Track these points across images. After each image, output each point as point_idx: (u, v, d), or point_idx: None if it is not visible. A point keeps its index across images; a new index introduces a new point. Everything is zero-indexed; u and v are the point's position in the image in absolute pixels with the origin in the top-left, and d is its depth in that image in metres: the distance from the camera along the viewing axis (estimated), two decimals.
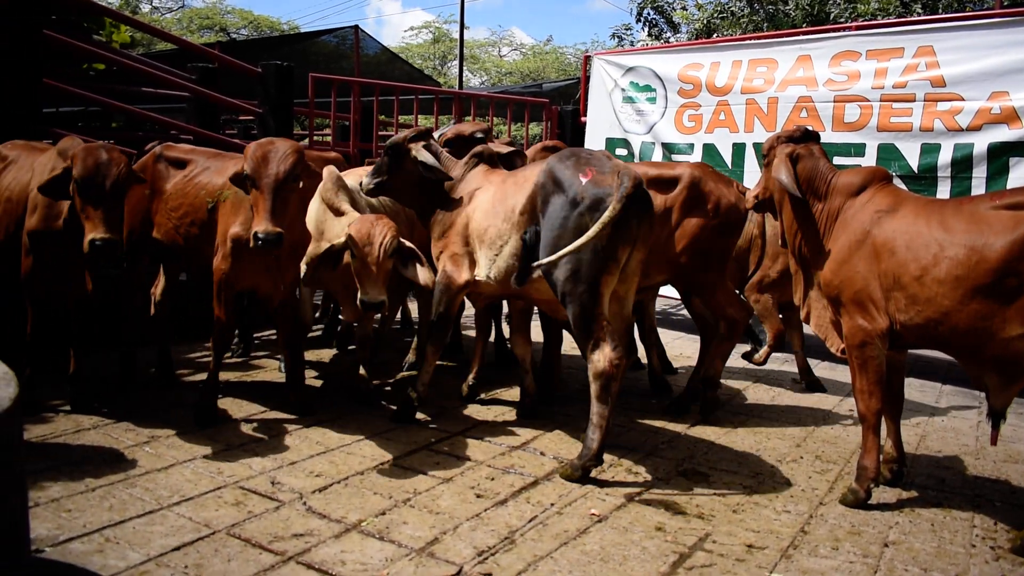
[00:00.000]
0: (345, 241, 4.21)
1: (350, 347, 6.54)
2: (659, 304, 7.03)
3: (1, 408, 2.22)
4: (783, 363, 6.65)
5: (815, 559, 3.27)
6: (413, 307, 7.02)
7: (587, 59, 9.04)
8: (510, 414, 5.07)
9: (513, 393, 5.41)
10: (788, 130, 4.10)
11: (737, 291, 5.62)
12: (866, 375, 3.72)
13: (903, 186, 5.29)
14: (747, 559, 3.25)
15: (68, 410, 4.66)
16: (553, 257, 3.92)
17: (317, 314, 7.25)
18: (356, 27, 12.48)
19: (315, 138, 9.77)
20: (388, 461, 4.16)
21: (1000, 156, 6.04)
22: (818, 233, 3.92)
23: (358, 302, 4.19)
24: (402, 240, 4.30)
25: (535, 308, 5.07)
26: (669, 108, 8.01)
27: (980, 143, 6.11)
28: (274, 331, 7.01)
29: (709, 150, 7.66)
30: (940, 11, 15.46)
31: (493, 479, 3.99)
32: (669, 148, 7.97)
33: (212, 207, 4.68)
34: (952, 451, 4.70)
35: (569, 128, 9.63)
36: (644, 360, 6.09)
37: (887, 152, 6.53)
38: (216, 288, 4.59)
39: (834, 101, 6.84)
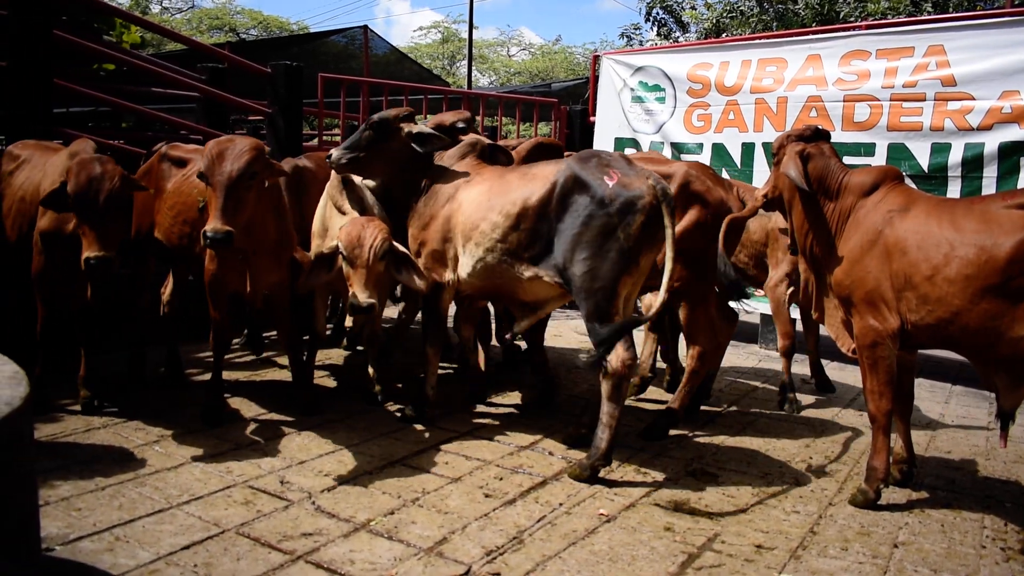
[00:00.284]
0: (336, 245, 4.25)
1: (359, 347, 6.55)
2: None
3: (12, 407, 2.23)
4: (792, 363, 6.63)
5: (824, 559, 3.26)
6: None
7: (596, 59, 9.03)
8: (518, 414, 5.07)
9: (518, 395, 5.41)
10: (798, 129, 4.08)
11: (752, 290, 5.61)
12: (877, 375, 3.70)
13: (914, 186, 5.27)
14: (756, 559, 3.24)
15: (78, 410, 4.68)
16: (665, 279, 3.85)
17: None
18: (365, 27, 12.50)
19: (324, 138, 9.77)
20: (397, 461, 4.17)
21: (1011, 156, 6.01)
22: (829, 233, 3.89)
23: (348, 305, 4.20)
24: (395, 244, 4.32)
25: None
26: (678, 108, 7.98)
27: (991, 143, 6.07)
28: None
29: (718, 150, 7.64)
30: (950, 10, 15.41)
31: (502, 479, 3.99)
32: (678, 148, 7.95)
33: (202, 206, 4.58)
34: (962, 452, 4.68)
35: (578, 128, 9.62)
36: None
37: (897, 152, 6.51)
38: (207, 289, 4.57)
39: (844, 100, 6.81)
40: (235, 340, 6.28)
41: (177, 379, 5.42)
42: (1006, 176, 6.02)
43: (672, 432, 4.79)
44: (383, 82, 9.13)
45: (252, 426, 4.63)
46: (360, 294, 4.14)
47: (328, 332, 6.94)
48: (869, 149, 6.62)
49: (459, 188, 4.50)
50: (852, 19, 16.21)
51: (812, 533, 3.51)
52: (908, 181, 4.03)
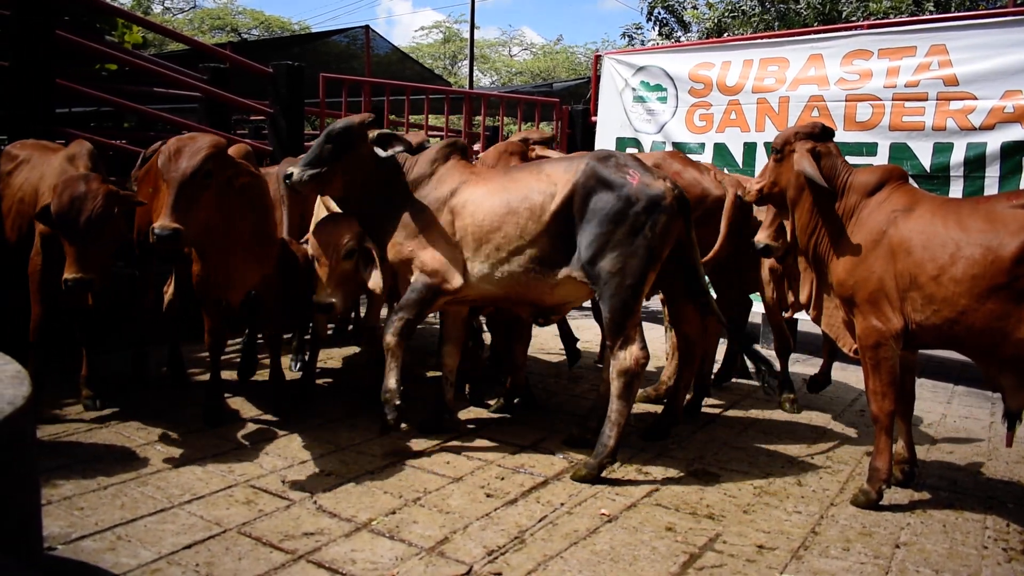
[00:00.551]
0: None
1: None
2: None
3: (14, 407, 2.23)
4: (794, 363, 6.62)
5: (826, 560, 3.26)
6: None
7: (597, 58, 9.03)
8: (520, 415, 5.06)
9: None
10: (805, 125, 4.04)
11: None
12: (879, 376, 3.70)
13: (916, 186, 5.26)
14: (758, 559, 3.24)
15: (80, 409, 4.69)
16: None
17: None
18: (367, 27, 12.52)
19: None
20: (398, 460, 4.17)
21: (1013, 155, 6.00)
22: (832, 232, 3.87)
23: (312, 302, 4.29)
24: (366, 245, 4.35)
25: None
26: (680, 107, 7.98)
27: (993, 142, 6.07)
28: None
29: (720, 150, 7.64)
30: (952, 10, 15.39)
31: (503, 479, 3.99)
32: (680, 148, 7.94)
33: None
34: (964, 452, 4.67)
35: (580, 128, 9.62)
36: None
37: (899, 151, 6.50)
38: (195, 290, 4.57)
39: (846, 100, 6.81)
40: (237, 340, 6.27)
41: (179, 379, 5.43)
42: (1008, 176, 6.02)
43: (673, 431, 4.78)
44: (385, 82, 9.14)
45: (253, 426, 4.64)
46: (320, 292, 4.28)
47: (329, 332, 6.94)
48: (871, 149, 6.61)
49: (457, 191, 4.28)
50: (854, 19, 16.19)
51: (814, 533, 3.51)
52: (910, 181, 4.00)
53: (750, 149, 7.40)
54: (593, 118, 8.88)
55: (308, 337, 5.32)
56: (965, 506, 3.86)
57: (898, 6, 16.28)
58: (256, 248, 4.48)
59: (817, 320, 4.13)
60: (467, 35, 30.31)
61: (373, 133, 4.36)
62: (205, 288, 4.50)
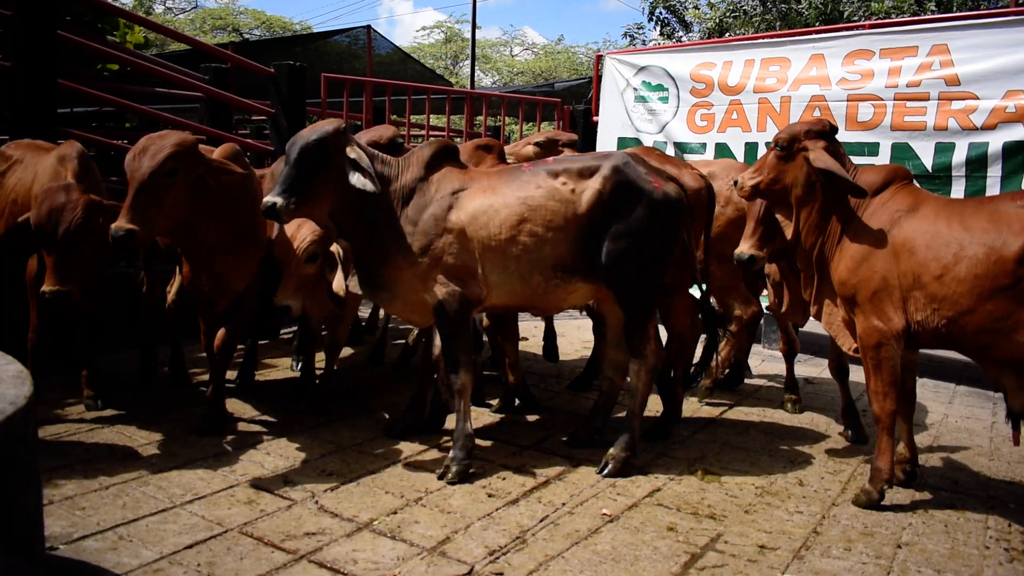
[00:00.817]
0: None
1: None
2: None
3: (16, 406, 2.24)
4: (797, 363, 6.62)
5: (827, 560, 3.26)
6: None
7: (599, 58, 9.02)
8: (520, 415, 5.06)
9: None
10: (812, 122, 3.99)
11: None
12: (881, 376, 3.70)
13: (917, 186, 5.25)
14: (759, 560, 3.24)
15: (82, 409, 4.69)
16: None
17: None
18: (368, 27, 12.50)
19: None
20: (399, 460, 4.17)
21: (1015, 155, 5.99)
22: (836, 231, 3.86)
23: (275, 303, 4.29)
24: (332, 249, 4.33)
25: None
26: (681, 107, 7.98)
27: (995, 142, 6.06)
28: (289, 331, 7.04)
29: (721, 149, 7.64)
30: (954, 9, 15.36)
31: (504, 479, 3.99)
32: (681, 147, 7.95)
33: None
34: (966, 452, 4.67)
35: (581, 127, 9.61)
36: None
37: (901, 151, 6.50)
38: (188, 291, 4.54)
39: (847, 100, 6.80)
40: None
41: (180, 378, 5.43)
42: (1010, 176, 6.01)
43: (675, 430, 4.79)
44: (386, 82, 9.13)
45: (255, 426, 4.64)
46: (280, 294, 4.30)
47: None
48: (873, 149, 6.61)
49: (463, 196, 4.00)
50: (856, 18, 16.17)
51: (815, 533, 3.51)
52: (914, 182, 3.98)
53: (752, 149, 7.39)
54: (595, 118, 8.88)
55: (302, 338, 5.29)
56: (967, 506, 3.85)
57: (900, 6, 16.26)
58: (246, 249, 4.38)
59: (818, 316, 4.12)
60: (468, 35, 30.31)
61: (350, 148, 3.88)
62: (193, 290, 4.45)
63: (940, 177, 6.31)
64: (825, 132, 3.92)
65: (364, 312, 7.53)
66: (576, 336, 7.60)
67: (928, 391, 5.79)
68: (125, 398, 4.93)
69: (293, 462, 4.09)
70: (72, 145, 4.50)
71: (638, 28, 27.08)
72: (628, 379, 4.28)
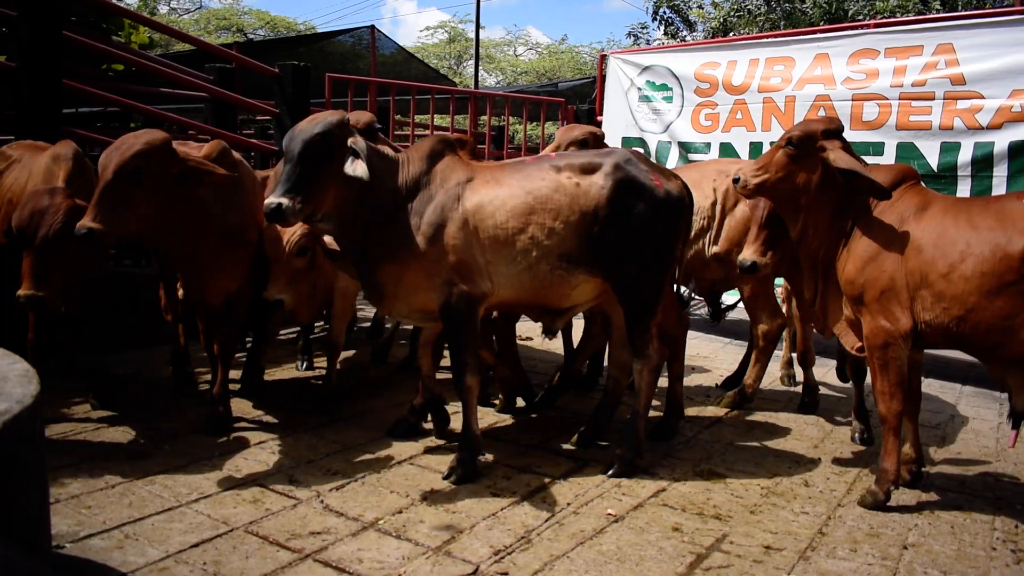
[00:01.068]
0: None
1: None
2: None
3: (23, 405, 2.24)
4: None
5: (833, 561, 3.25)
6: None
7: (603, 58, 9.02)
8: (526, 415, 5.06)
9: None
10: (824, 120, 3.95)
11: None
12: (887, 376, 3.69)
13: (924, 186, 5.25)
14: (764, 560, 3.24)
15: (87, 408, 4.70)
16: None
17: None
18: (372, 27, 12.54)
19: None
20: (405, 460, 4.17)
21: (1021, 154, 5.98)
22: (844, 230, 3.84)
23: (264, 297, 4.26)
24: (322, 241, 4.26)
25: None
26: (686, 107, 7.97)
27: (1001, 141, 6.05)
28: (293, 330, 7.04)
29: (726, 149, 7.63)
30: (959, 8, 15.34)
31: (509, 478, 3.99)
32: (685, 147, 7.95)
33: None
34: (972, 453, 4.66)
35: None
36: None
37: (906, 151, 6.48)
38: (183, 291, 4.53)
39: (852, 100, 6.79)
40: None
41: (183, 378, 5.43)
42: (1016, 175, 6.00)
43: (680, 431, 4.79)
44: (390, 82, 9.15)
45: (260, 425, 4.64)
46: (270, 288, 4.26)
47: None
48: (878, 148, 6.59)
49: (469, 187, 3.94)
50: (860, 18, 16.15)
51: (821, 534, 3.50)
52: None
53: (756, 149, 7.38)
54: (599, 118, 8.87)
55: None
56: (973, 507, 3.84)
57: (904, 5, 16.23)
58: (233, 249, 4.31)
59: (822, 317, 4.11)
60: (472, 35, 30.35)
61: (352, 138, 3.71)
62: (185, 290, 4.41)
63: (946, 177, 6.29)
64: (840, 131, 3.90)
65: (367, 312, 7.53)
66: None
67: (934, 391, 5.77)
68: (129, 398, 4.94)
69: (298, 461, 4.09)
70: (67, 145, 4.47)
71: (642, 28, 27.12)
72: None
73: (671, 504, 3.76)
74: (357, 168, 3.64)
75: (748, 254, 4.30)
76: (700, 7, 22.96)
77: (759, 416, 5.22)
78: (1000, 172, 6.07)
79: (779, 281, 5.43)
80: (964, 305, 3.44)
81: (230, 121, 7.62)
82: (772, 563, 3.22)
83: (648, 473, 4.13)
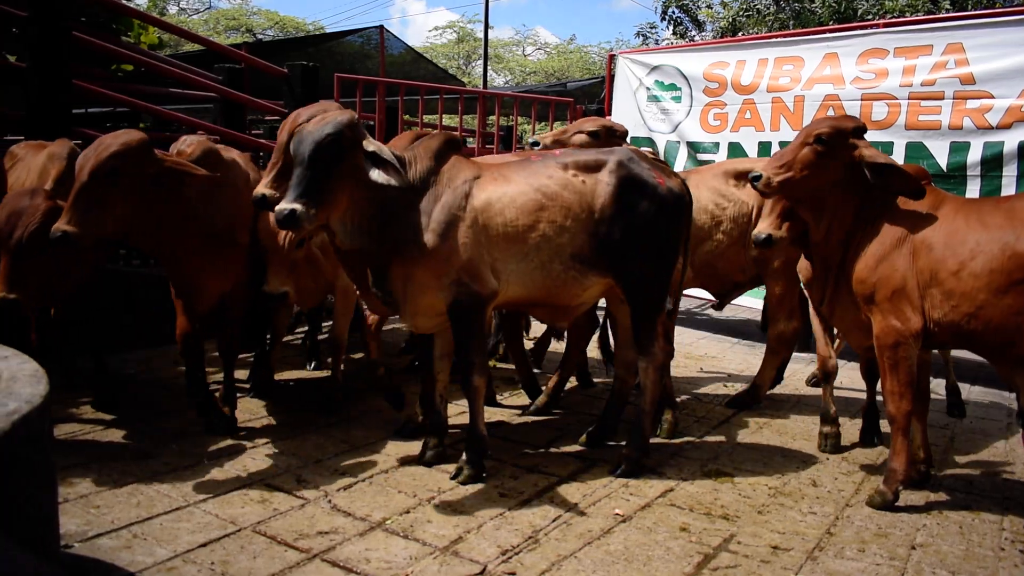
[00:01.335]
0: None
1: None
2: (682, 304, 6.98)
3: (32, 405, 2.25)
4: (808, 363, 6.59)
5: (841, 561, 3.25)
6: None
7: (612, 58, 9.02)
8: (533, 415, 5.06)
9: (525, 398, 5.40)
10: (852, 118, 3.92)
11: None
12: (897, 376, 3.68)
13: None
14: (772, 560, 3.23)
15: (95, 408, 4.72)
16: None
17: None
18: (381, 27, 12.55)
19: None
20: (412, 459, 4.17)
21: None
22: (858, 230, 3.82)
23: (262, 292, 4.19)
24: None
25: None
26: (694, 107, 7.96)
27: (1011, 141, 6.02)
28: (301, 330, 7.06)
29: (735, 149, 7.62)
30: (969, 8, 15.27)
31: (517, 478, 3.99)
32: (694, 147, 7.94)
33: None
34: (981, 453, 4.64)
35: None
36: None
37: (915, 151, 6.46)
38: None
39: (861, 99, 6.77)
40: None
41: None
42: None
43: (687, 431, 4.78)
44: (399, 82, 9.15)
45: (268, 425, 4.65)
46: (273, 280, 4.19)
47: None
48: (887, 148, 6.57)
49: (478, 184, 3.88)
50: (870, 17, 16.09)
51: (829, 534, 3.49)
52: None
53: (765, 148, 7.37)
54: (607, 118, 8.86)
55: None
56: (982, 507, 3.83)
57: (914, 4, 16.16)
58: (219, 250, 4.24)
59: (830, 316, 4.09)
60: (481, 35, 30.34)
61: (368, 143, 3.64)
62: (175, 290, 4.35)
63: (955, 176, 6.27)
64: (865, 130, 3.88)
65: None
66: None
67: (942, 391, 5.74)
68: (134, 398, 4.96)
69: (306, 461, 4.10)
70: (62, 144, 4.46)
71: (651, 27, 26.99)
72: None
73: (679, 504, 3.75)
74: (392, 180, 3.59)
75: (763, 227, 4.13)
76: (709, 7, 22.94)
77: (767, 416, 5.21)
78: (1010, 172, 6.04)
79: None
80: (974, 302, 3.45)
81: (239, 121, 7.63)
82: (780, 563, 3.21)
83: (656, 473, 4.13)
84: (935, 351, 4.12)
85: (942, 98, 6.36)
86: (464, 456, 3.97)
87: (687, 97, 8.04)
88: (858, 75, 6.83)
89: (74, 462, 3.88)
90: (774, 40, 7.83)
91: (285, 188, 3.65)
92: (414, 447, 4.33)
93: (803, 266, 4.79)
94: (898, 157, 6.49)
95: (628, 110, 8.54)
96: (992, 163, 6.11)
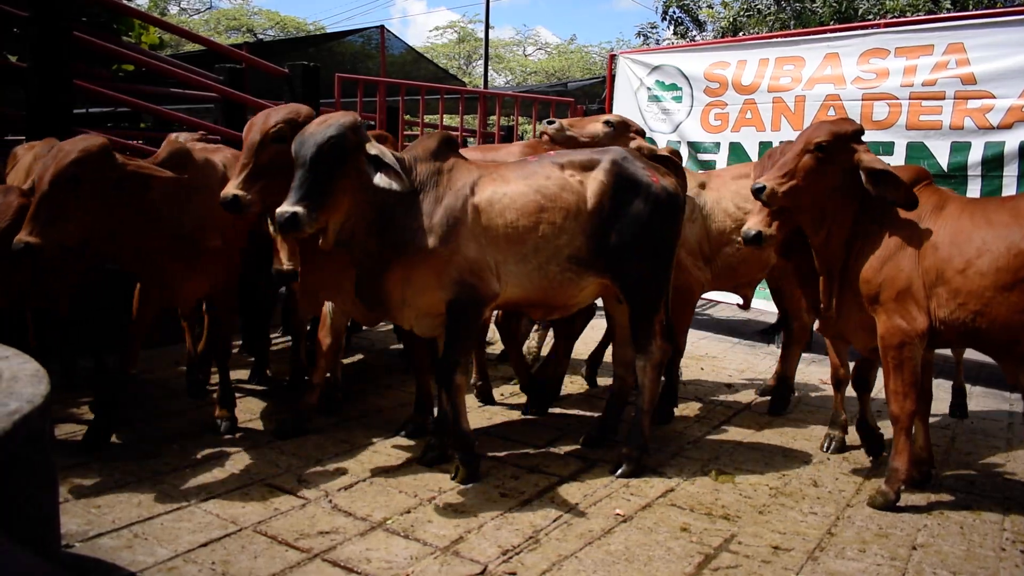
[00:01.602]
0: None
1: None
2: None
3: (33, 405, 2.25)
4: (809, 363, 6.60)
5: (842, 561, 3.24)
6: None
7: (612, 58, 9.02)
8: (533, 414, 5.06)
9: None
10: (850, 121, 3.89)
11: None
12: (901, 376, 3.68)
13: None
14: (773, 560, 3.23)
15: (95, 408, 4.72)
16: None
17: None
18: (382, 27, 12.57)
19: None
20: (413, 460, 4.17)
21: None
22: (861, 231, 3.82)
23: (273, 272, 4.11)
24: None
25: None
26: (695, 107, 7.96)
27: (1011, 141, 6.02)
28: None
29: (735, 149, 7.61)
30: (970, 7, 15.27)
31: (517, 478, 3.99)
32: (695, 147, 7.93)
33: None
34: (982, 453, 4.64)
35: None
36: None
37: (916, 151, 6.46)
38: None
39: (862, 99, 6.77)
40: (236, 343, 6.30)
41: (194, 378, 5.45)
42: None
43: (688, 431, 4.79)
44: (400, 82, 9.16)
45: (269, 425, 4.65)
46: (278, 261, 4.10)
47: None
48: (888, 148, 6.57)
49: (478, 185, 3.87)
50: (871, 17, 16.09)
51: (830, 534, 3.49)
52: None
53: (766, 148, 7.34)
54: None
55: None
56: (983, 507, 3.83)
57: (915, 4, 16.17)
58: (191, 251, 4.15)
59: (836, 319, 4.07)
60: (482, 35, 30.34)
61: (371, 146, 3.63)
62: (143, 294, 4.25)
63: (956, 176, 6.26)
64: (863, 134, 3.86)
65: None
66: (589, 336, 7.56)
67: (944, 391, 5.74)
68: (133, 398, 4.96)
69: (307, 461, 4.10)
70: (47, 143, 4.44)
71: (651, 27, 27.08)
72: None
73: (679, 504, 3.75)
74: (393, 184, 3.57)
75: (753, 223, 3.97)
76: (710, 7, 22.96)
77: (768, 416, 5.21)
78: (1011, 172, 6.03)
79: None
80: (980, 300, 3.47)
81: (240, 121, 7.61)
82: (780, 563, 3.21)
83: (656, 473, 4.13)
84: (939, 352, 4.11)
85: (943, 98, 6.36)
86: (456, 457, 3.95)
87: (688, 97, 8.04)
88: (859, 75, 6.83)
89: (75, 461, 3.88)
90: (775, 40, 7.83)
91: (256, 189, 3.74)
92: (415, 447, 4.33)
93: None
94: (899, 157, 6.49)
95: (629, 110, 8.51)
96: (993, 163, 6.11)
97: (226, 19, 39.39)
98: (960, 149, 6.27)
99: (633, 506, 3.70)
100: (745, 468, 4.26)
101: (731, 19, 20.16)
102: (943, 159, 6.35)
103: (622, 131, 5.14)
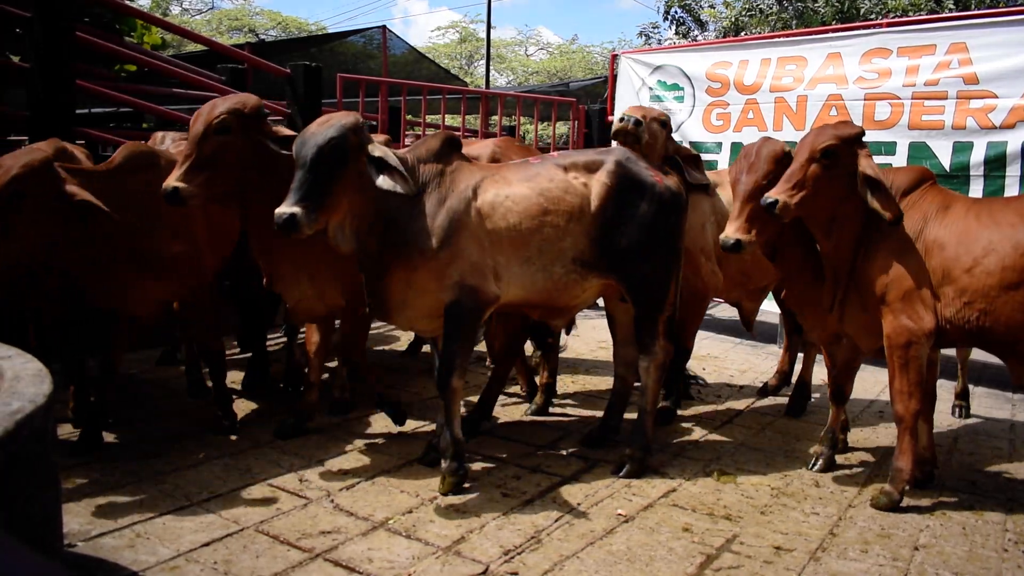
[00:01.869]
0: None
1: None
2: None
3: (36, 404, 2.26)
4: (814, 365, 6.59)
5: (844, 562, 3.24)
6: None
7: (614, 57, 9.01)
8: (535, 415, 5.06)
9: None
10: (851, 127, 3.85)
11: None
12: (907, 376, 3.68)
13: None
14: (775, 561, 3.23)
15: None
16: None
17: None
18: (383, 27, 12.57)
19: None
20: (415, 459, 4.17)
21: None
22: (867, 233, 3.81)
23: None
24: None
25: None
26: (697, 107, 7.96)
27: (1014, 141, 6.00)
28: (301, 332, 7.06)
29: (737, 149, 7.58)
30: (973, 7, 15.26)
31: (519, 478, 3.99)
32: (697, 147, 7.90)
33: None
34: (984, 454, 4.63)
35: (596, 127, 9.60)
36: None
37: (919, 151, 6.45)
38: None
39: (864, 99, 6.75)
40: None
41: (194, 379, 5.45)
42: None
43: (690, 431, 4.79)
44: (401, 82, 9.17)
45: (271, 424, 4.65)
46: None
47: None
48: (890, 148, 6.56)
49: (481, 187, 3.83)
50: (873, 17, 16.08)
51: (832, 535, 3.49)
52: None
53: None
54: (610, 117, 8.84)
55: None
56: (985, 508, 3.82)
57: (917, 4, 16.16)
58: (144, 257, 4.00)
59: (840, 321, 4.06)
60: (483, 35, 30.35)
61: (373, 147, 3.58)
62: (94, 301, 4.10)
63: (958, 176, 6.25)
64: (862, 138, 3.83)
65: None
66: (591, 336, 7.58)
67: (947, 392, 5.74)
68: (133, 398, 4.96)
69: (309, 461, 4.10)
70: (44, 145, 4.44)
71: (653, 27, 27.05)
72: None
73: (681, 504, 3.75)
74: (398, 187, 3.52)
75: (731, 231, 3.91)
76: (712, 6, 22.97)
77: (769, 416, 5.21)
78: (1013, 172, 6.02)
79: None
80: (986, 299, 3.49)
81: None
82: (782, 564, 3.21)
83: (658, 473, 4.13)
84: (940, 352, 4.11)
85: (945, 98, 6.35)
86: (443, 465, 3.80)
87: (690, 97, 8.03)
88: (861, 75, 6.82)
89: (77, 461, 3.88)
90: (777, 40, 7.82)
91: (198, 181, 3.73)
92: (417, 447, 4.33)
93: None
94: (901, 157, 6.48)
95: None
96: (995, 163, 6.10)
97: (228, 19, 39.42)
98: (962, 149, 6.26)
99: (635, 506, 3.70)
100: (747, 468, 4.26)
101: (733, 19, 20.16)
102: (945, 159, 6.33)
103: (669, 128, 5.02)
